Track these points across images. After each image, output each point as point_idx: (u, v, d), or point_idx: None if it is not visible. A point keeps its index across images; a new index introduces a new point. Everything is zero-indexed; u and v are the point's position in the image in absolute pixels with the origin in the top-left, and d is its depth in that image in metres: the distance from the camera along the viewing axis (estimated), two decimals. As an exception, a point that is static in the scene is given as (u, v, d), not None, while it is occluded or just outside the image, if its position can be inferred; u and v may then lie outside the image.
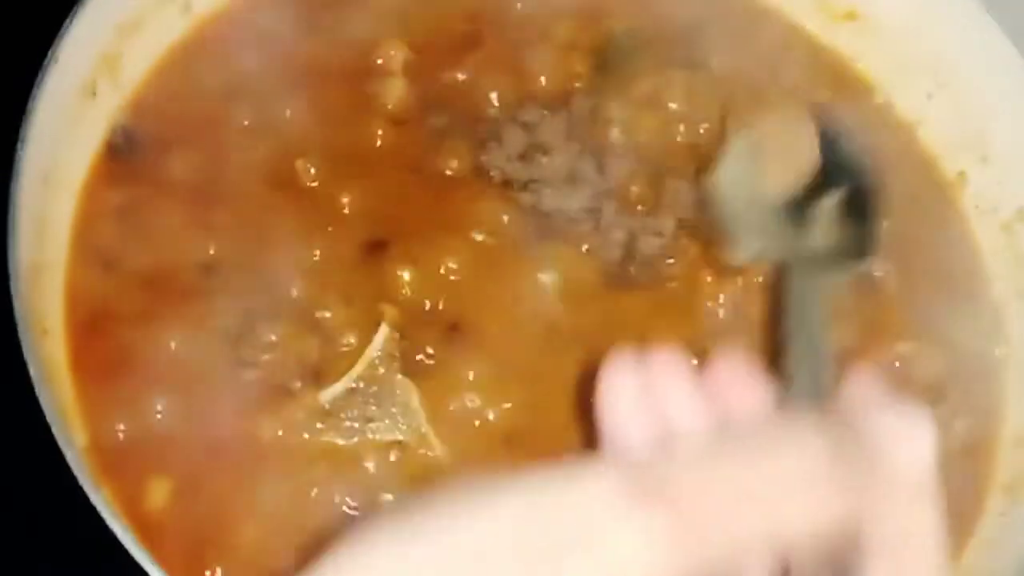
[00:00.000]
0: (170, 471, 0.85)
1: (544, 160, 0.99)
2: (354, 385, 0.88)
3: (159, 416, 0.86)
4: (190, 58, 1.00)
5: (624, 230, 0.97)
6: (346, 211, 0.95)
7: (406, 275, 0.93)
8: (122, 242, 0.91)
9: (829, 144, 0.93)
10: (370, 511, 0.85)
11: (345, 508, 0.85)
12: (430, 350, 0.90)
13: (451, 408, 0.89)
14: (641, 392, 0.59)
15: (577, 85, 1.04)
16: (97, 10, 0.91)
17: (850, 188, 0.95)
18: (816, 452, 0.54)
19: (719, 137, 1.03)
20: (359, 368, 0.88)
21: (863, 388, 0.61)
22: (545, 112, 1.02)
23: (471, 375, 0.90)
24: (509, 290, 0.94)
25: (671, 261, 0.96)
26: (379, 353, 0.88)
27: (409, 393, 0.88)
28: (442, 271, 0.94)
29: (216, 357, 0.88)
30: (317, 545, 0.83)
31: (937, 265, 1.02)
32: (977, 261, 1.04)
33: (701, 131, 1.02)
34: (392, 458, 0.87)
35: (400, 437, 0.87)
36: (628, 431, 0.58)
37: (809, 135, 0.93)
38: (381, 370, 0.88)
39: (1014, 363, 1.00)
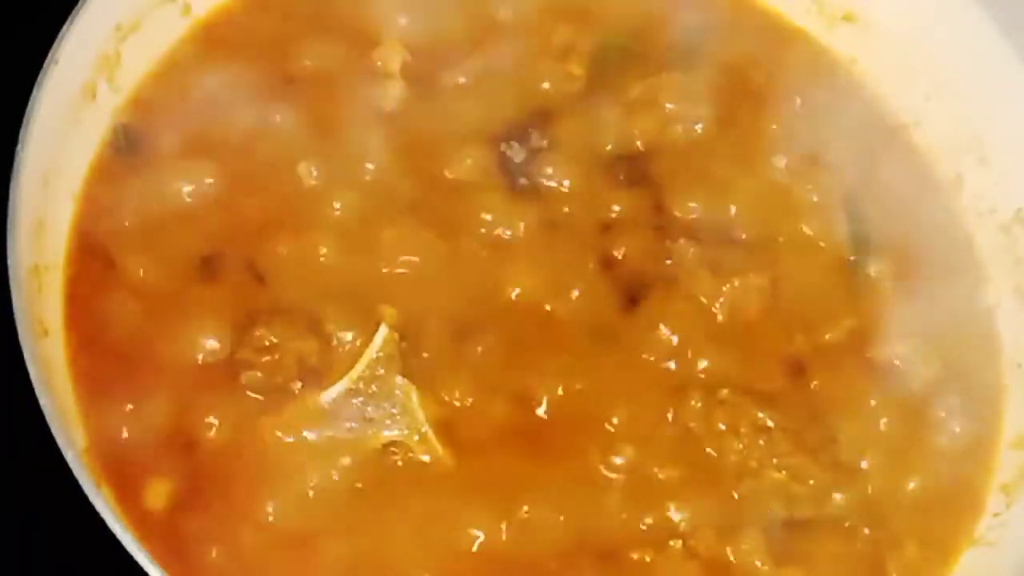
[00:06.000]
0: (170, 472, 0.85)
1: (548, 166, 1.00)
2: (354, 385, 0.88)
3: (159, 417, 0.86)
4: (190, 59, 1.00)
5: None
6: (345, 213, 0.95)
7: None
8: (121, 243, 0.91)
9: None
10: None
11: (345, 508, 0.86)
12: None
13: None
14: None
15: (575, 87, 1.04)
16: (97, 11, 0.91)
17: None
18: None
19: (715, 137, 1.03)
20: (359, 368, 0.88)
21: None
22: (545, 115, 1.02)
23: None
24: (504, 294, 0.95)
25: (670, 262, 0.97)
26: (379, 353, 0.89)
27: (409, 393, 0.88)
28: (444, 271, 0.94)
29: (216, 358, 0.88)
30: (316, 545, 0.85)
31: (935, 266, 1.02)
32: (975, 262, 1.04)
33: (698, 130, 1.03)
34: (392, 458, 0.87)
35: (400, 437, 0.87)
36: None
37: None
38: (381, 370, 0.88)
39: (1012, 364, 1.00)
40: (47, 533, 0.86)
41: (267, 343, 0.88)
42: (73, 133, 0.92)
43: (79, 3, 0.90)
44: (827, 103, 1.07)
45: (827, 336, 0.97)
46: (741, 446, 0.91)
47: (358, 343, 0.89)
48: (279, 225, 0.93)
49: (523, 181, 0.99)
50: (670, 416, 0.92)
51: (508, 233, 0.97)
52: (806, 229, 1.01)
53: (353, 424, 0.87)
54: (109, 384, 0.86)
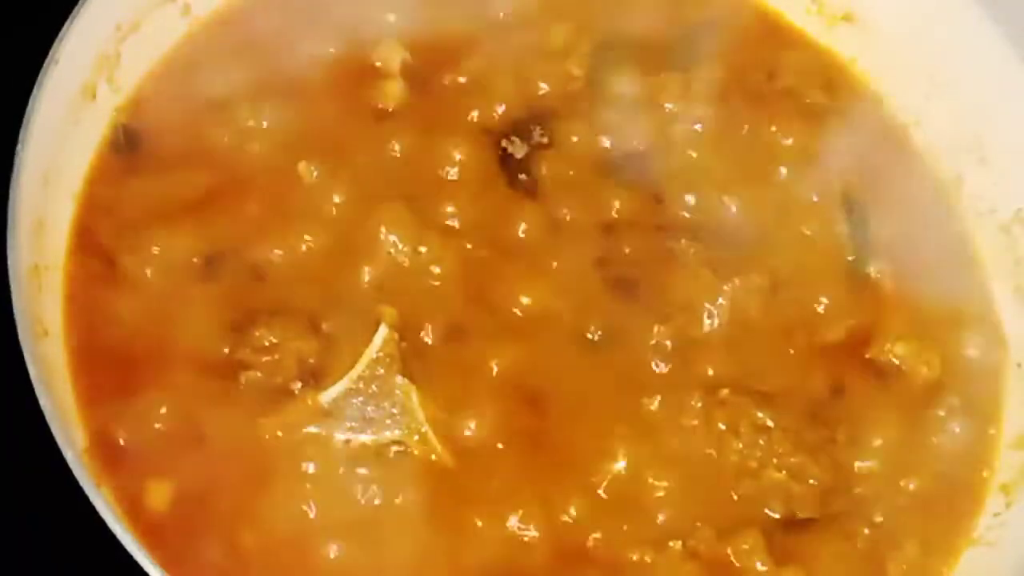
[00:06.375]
0: (170, 472, 0.85)
1: (548, 166, 1.00)
2: (354, 385, 0.88)
3: (159, 417, 0.86)
4: (190, 60, 1.00)
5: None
6: (345, 212, 0.95)
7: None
8: (122, 243, 0.91)
9: None
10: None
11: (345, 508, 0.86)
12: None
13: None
14: None
15: (573, 89, 1.04)
16: (97, 11, 0.91)
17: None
18: None
19: (715, 137, 1.03)
20: (359, 368, 0.88)
21: None
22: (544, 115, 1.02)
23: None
24: (504, 294, 0.95)
25: (670, 262, 0.96)
26: (379, 353, 0.89)
27: (409, 393, 0.88)
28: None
29: (216, 358, 0.88)
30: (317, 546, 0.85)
31: (935, 266, 1.02)
32: (975, 262, 1.04)
33: (698, 130, 1.03)
34: (392, 458, 0.87)
35: (400, 437, 0.87)
36: None
37: None
38: (381, 370, 0.88)
39: (1011, 364, 1.00)
40: (47, 533, 0.86)
41: (267, 343, 0.88)
42: (73, 133, 0.92)
43: (79, 3, 0.90)
44: (827, 103, 1.07)
45: (827, 336, 0.97)
46: (741, 446, 0.91)
47: (358, 343, 0.89)
48: (279, 225, 0.93)
49: (523, 177, 0.99)
50: (670, 416, 0.92)
51: (508, 232, 0.97)
52: (806, 229, 1.01)
53: (353, 424, 0.87)
54: (109, 384, 0.86)
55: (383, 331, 0.89)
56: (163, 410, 0.86)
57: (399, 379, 0.88)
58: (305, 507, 0.85)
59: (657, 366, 0.94)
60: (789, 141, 1.04)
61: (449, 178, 0.98)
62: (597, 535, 0.88)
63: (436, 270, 0.94)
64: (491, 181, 0.99)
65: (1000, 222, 1.04)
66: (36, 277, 0.85)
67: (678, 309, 0.95)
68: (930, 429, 0.96)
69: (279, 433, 0.86)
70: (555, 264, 0.95)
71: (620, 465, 0.90)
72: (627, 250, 0.97)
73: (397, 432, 0.87)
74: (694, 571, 0.87)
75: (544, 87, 1.04)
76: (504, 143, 1.00)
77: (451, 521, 0.86)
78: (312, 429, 0.87)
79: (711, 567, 0.88)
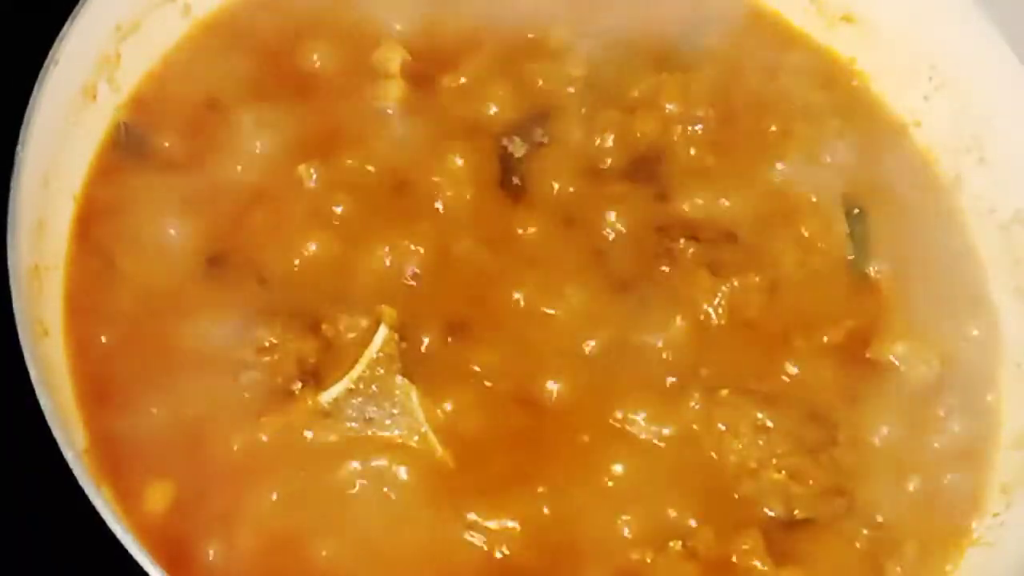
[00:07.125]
0: (170, 472, 0.85)
1: (547, 167, 1.00)
2: (354, 385, 0.88)
3: (159, 417, 0.86)
4: (190, 60, 1.00)
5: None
6: (345, 213, 0.95)
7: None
8: (122, 243, 0.91)
9: None
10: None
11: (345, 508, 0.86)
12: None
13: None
14: None
15: (573, 90, 1.04)
16: (97, 11, 0.91)
17: None
18: None
19: (715, 137, 1.03)
20: (359, 369, 0.88)
21: None
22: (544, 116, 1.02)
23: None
24: (503, 295, 0.95)
25: (670, 262, 0.96)
26: (379, 353, 0.89)
27: (409, 393, 0.88)
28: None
29: (216, 359, 0.88)
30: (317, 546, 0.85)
31: (934, 266, 1.02)
32: (974, 262, 1.04)
33: (698, 131, 1.03)
34: (392, 458, 0.87)
35: (400, 437, 0.87)
36: None
37: None
38: (381, 370, 0.88)
39: (1012, 364, 1.00)
40: (47, 533, 0.86)
41: (267, 343, 0.88)
42: (73, 133, 0.92)
43: (79, 3, 0.90)
44: (827, 103, 1.07)
45: (827, 336, 0.97)
46: (741, 446, 0.91)
47: (358, 343, 0.89)
48: (279, 225, 0.93)
49: (521, 179, 0.99)
50: (670, 416, 0.92)
51: (508, 232, 0.97)
52: (806, 229, 1.01)
53: (353, 424, 0.87)
54: (109, 384, 0.86)
55: (383, 331, 0.89)
56: (163, 410, 0.86)
57: (399, 379, 0.88)
58: (304, 507, 0.85)
59: (657, 366, 0.94)
60: (789, 141, 1.04)
61: (449, 179, 0.98)
62: (597, 534, 0.88)
63: (437, 270, 0.94)
64: (491, 181, 0.99)
65: (1000, 222, 1.04)
66: (36, 277, 0.85)
67: (678, 309, 0.95)
68: (930, 429, 0.96)
69: (279, 434, 0.86)
70: (554, 264, 0.95)
71: (619, 465, 0.90)
72: (626, 250, 0.97)
73: (397, 432, 0.87)
74: (694, 571, 0.87)
75: (544, 88, 1.03)
76: (504, 142, 1.00)
77: (451, 520, 0.86)
78: (312, 429, 0.87)
79: (711, 567, 0.88)
